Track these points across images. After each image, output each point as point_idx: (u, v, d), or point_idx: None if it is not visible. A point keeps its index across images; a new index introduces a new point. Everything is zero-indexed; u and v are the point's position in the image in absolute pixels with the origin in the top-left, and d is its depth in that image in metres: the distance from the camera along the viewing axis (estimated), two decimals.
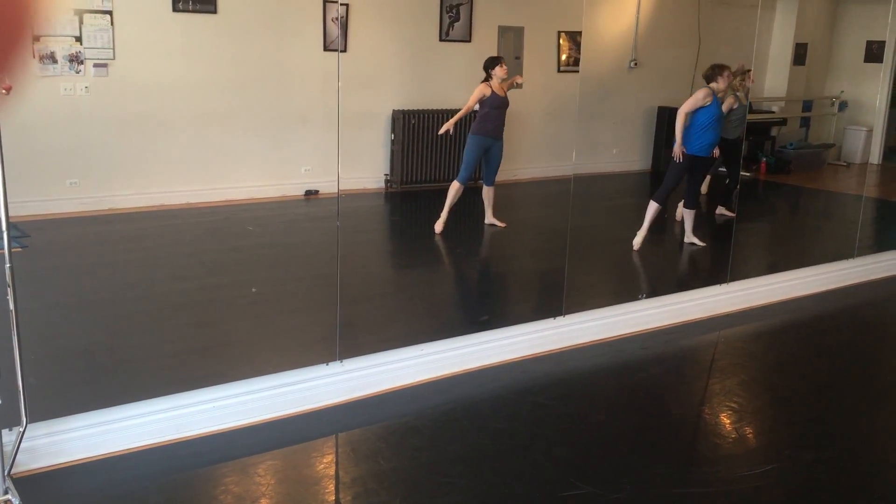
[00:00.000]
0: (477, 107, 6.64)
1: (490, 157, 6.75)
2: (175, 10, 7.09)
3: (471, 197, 6.81)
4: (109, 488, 2.97)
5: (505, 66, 6.62)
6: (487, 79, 6.62)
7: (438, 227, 6.66)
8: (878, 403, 4.00)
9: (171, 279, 5.35)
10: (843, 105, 11.69)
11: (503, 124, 6.72)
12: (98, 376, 3.83)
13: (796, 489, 3.09)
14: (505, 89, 6.67)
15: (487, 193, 6.89)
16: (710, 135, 6.25)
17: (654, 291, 5.22)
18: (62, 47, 6.63)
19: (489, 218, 6.96)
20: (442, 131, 6.70)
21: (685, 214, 6.58)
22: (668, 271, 6.44)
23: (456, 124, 6.64)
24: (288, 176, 7.93)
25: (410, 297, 5.41)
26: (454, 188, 6.65)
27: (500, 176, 9.04)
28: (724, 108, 6.69)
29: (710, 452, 3.35)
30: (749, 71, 7.38)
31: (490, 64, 6.64)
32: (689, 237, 6.55)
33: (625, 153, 10.19)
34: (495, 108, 6.62)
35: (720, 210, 7.77)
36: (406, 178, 8.38)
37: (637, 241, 6.34)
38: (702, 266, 6.48)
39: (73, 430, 3.14)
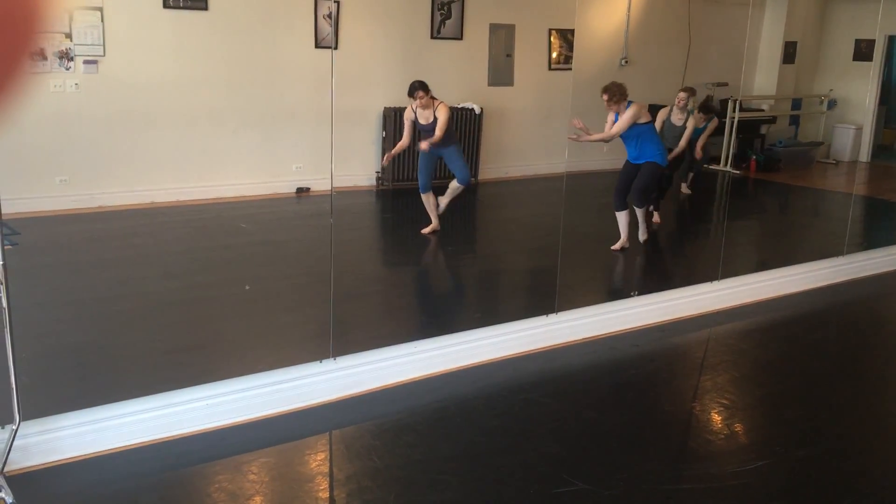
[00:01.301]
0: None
1: (448, 162, 6.60)
2: (166, 6, 7.07)
3: (461, 194, 6.80)
4: (102, 486, 2.96)
5: (421, 99, 6.17)
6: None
7: (426, 230, 6.59)
8: (867, 400, 4.04)
9: (163, 277, 5.34)
10: (832, 103, 11.75)
11: (443, 139, 6.28)
12: (90, 374, 3.83)
13: (787, 485, 3.11)
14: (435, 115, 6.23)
15: (453, 185, 6.62)
16: (626, 144, 6.34)
17: (646, 289, 5.24)
18: (52, 44, 6.59)
19: (441, 204, 6.70)
20: (384, 162, 6.90)
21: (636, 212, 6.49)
22: (659, 269, 6.47)
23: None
24: (279, 173, 7.92)
25: (403, 295, 5.42)
26: (423, 198, 6.58)
27: (492, 173, 9.10)
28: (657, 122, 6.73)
29: (701, 449, 3.38)
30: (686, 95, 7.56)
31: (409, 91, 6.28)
32: (642, 235, 6.49)
33: (616, 151, 10.18)
34: (422, 131, 6.36)
35: (683, 188, 8.24)
36: (397, 176, 8.38)
37: (614, 247, 6.27)
38: (692, 263, 6.51)
39: (66, 427, 3.14)
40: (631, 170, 6.37)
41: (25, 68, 0.67)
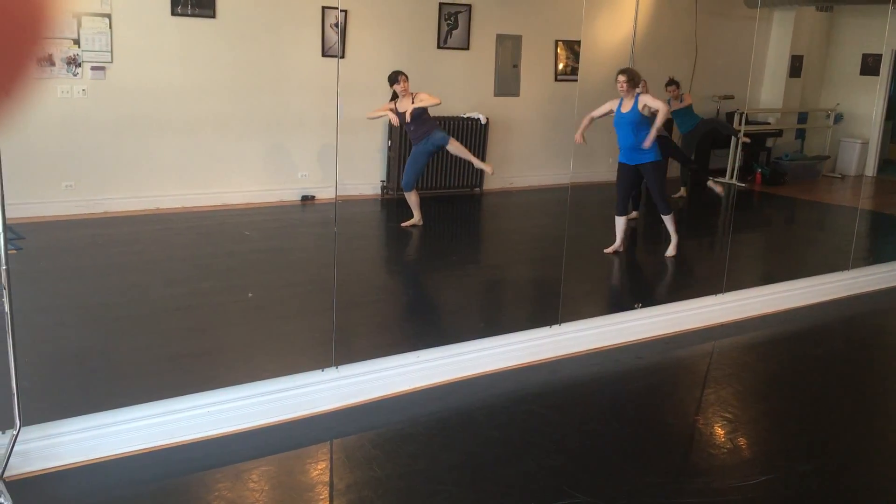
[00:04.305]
0: None
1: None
2: (174, 14, 7.10)
3: (465, 204, 6.80)
4: (102, 492, 2.96)
5: (402, 84, 6.77)
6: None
7: (408, 223, 6.97)
8: (872, 415, 4.01)
9: (166, 283, 5.34)
10: (838, 117, 11.73)
11: (416, 135, 6.92)
12: (92, 380, 3.82)
13: (790, 500, 3.09)
14: (414, 105, 6.75)
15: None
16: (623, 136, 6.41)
17: (650, 301, 5.22)
18: (60, 50, 6.62)
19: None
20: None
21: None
22: (664, 281, 6.45)
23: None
24: (284, 181, 7.93)
25: (405, 304, 5.41)
26: (407, 196, 7.03)
27: (497, 183, 9.09)
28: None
29: (703, 463, 3.36)
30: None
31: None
32: (670, 251, 6.50)
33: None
34: (402, 122, 6.88)
35: (710, 183, 8.21)
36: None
37: (608, 249, 6.41)
38: (697, 276, 6.49)
39: (67, 433, 3.13)
40: (629, 173, 6.36)
41: (30, 72, 0.67)
